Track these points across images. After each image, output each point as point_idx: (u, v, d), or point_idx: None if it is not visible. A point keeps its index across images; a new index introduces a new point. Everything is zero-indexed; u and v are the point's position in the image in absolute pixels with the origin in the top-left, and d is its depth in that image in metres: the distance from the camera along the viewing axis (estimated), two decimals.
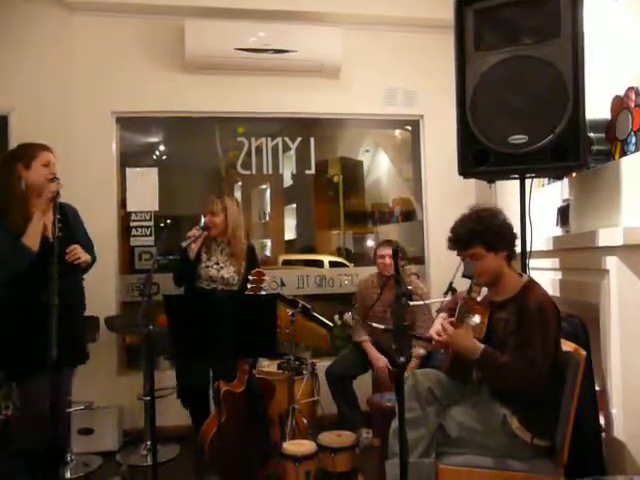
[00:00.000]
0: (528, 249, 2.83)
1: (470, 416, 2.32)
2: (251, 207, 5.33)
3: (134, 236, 4.35)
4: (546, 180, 3.41)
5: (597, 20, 2.99)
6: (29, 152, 2.71)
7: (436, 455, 2.30)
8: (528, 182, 2.89)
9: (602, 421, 2.60)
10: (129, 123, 4.43)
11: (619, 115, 2.80)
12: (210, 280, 3.45)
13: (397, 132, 5.16)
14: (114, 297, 4.19)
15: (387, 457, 2.39)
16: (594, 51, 2.87)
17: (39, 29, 4.09)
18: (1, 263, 2.59)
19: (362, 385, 3.86)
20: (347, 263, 5.01)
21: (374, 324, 3.40)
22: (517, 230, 2.53)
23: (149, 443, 3.64)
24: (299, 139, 4.62)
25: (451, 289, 2.36)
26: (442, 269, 2.61)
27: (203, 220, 3.51)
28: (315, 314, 3.63)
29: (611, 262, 2.50)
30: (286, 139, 4.61)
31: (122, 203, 4.35)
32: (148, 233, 4.36)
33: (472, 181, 3.17)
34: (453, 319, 2.35)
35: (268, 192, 5.46)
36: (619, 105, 2.81)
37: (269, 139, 4.59)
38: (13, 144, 3.78)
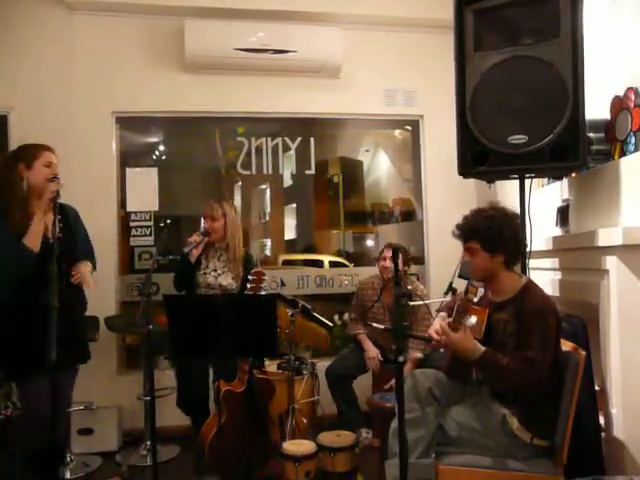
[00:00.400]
0: (528, 249, 2.83)
1: (470, 416, 2.32)
2: (251, 207, 5.33)
3: (134, 236, 4.35)
4: (546, 180, 3.41)
5: (596, 20, 3.00)
6: (31, 152, 2.72)
7: (436, 455, 2.31)
8: (528, 182, 2.89)
9: (602, 421, 2.61)
10: (129, 123, 4.42)
11: (618, 115, 2.80)
12: (208, 287, 3.45)
13: (397, 132, 5.16)
14: (114, 297, 4.18)
15: (387, 457, 2.39)
16: (594, 51, 2.87)
17: (39, 29, 4.09)
18: (3, 265, 2.59)
19: (362, 385, 3.86)
20: (347, 263, 5.01)
21: (374, 324, 3.40)
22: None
23: (149, 443, 3.64)
24: (299, 139, 4.62)
25: (451, 289, 2.35)
26: (442, 269, 2.61)
27: (203, 226, 3.51)
28: (315, 314, 3.63)
29: (611, 262, 2.50)
30: (286, 139, 4.61)
31: (122, 203, 4.35)
32: (148, 233, 4.36)
33: (472, 181, 3.17)
34: (450, 319, 2.35)
35: (268, 192, 5.46)
36: (618, 105, 2.81)
37: (269, 139, 4.59)
38: (13, 144, 3.80)
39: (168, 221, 4.64)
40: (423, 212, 4.71)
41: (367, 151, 5.24)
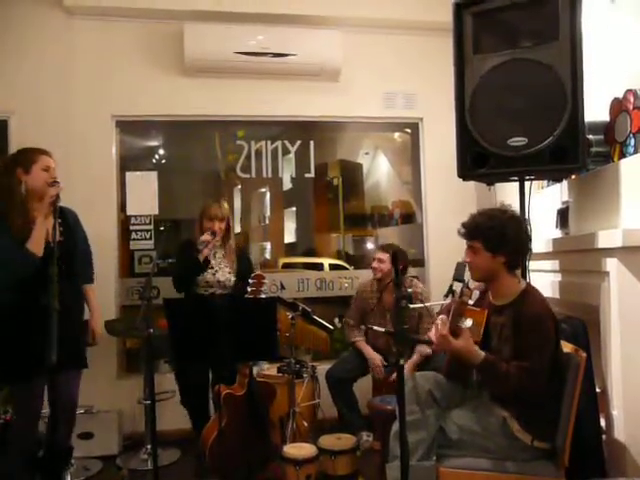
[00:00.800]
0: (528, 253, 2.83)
1: (470, 419, 2.32)
2: (251, 210, 5.34)
3: (134, 240, 4.35)
4: (545, 182, 3.41)
5: (595, 22, 3.00)
6: (29, 157, 2.72)
7: (437, 458, 2.30)
8: (527, 184, 2.89)
9: (603, 423, 2.60)
10: (129, 127, 4.43)
11: (618, 117, 2.80)
12: (207, 285, 3.47)
13: (396, 135, 5.16)
14: (114, 301, 4.18)
15: (388, 460, 2.39)
16: (593, 53, 2.88)
17: (39, 33, 4.10)
18: (6, 268, 2.60)
19: (362, 388, 3.86)
20: (347, 266, 5.01)
21: (375, 327, 3.40)
22: None
23: (149, 447, 3.64)
24: (299, 142, 4.62)
25: (451, 291, 2.36)
26: (442, 272, 2.61)
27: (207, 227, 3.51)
28: (315, 317, 3.64)
29: (611, 264, 2.51)
30: (286, 142, 4.61)
31: (122, 207, 4.35)
32: (148, 237, 4.36)
33: (472, 184, 3.17)
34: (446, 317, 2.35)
35: (268, 195, 5.47)
36: (618, 107, 2.81)
37: (269, 142, 4.59)
38: (13, 148, 3.80)
39: (168, 225, 4.63)
40: (423, 215, 4.71)
41: (367, 154, 5.25)
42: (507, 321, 2.32)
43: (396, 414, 2.13)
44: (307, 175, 4.67)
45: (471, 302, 2.37)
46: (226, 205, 3.59)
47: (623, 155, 2.75)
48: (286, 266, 5.07)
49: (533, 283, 2.57)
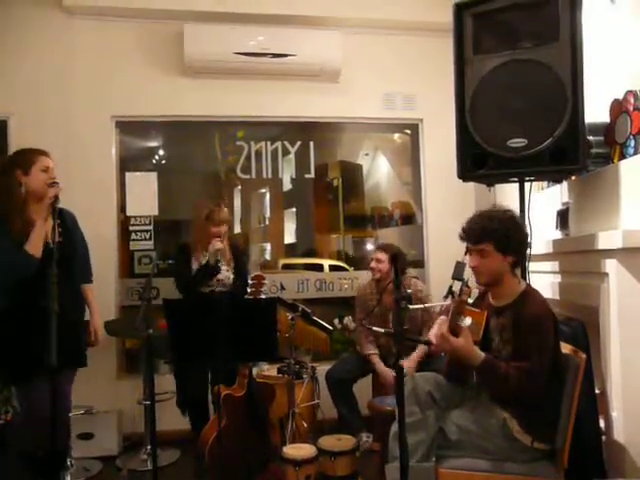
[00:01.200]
0: (528, 252, 2.83)
1: (470, 419, 2.32)
2: (251, 211, 5.33)
3: (134, 240, 4.35)
4: (545, 183, 3.41)
5: (596, 23, 3.00)
6: (27, 158, 2.72)
7: (436, 459, 2.30)
8: (527, 185, 2.89)
9: (602, 424, 2.60)
10: (128, 127, 4.43)
11: (618, 118, 2.80)
12: (207, 285, 3.46)
13: (396, 136, 5.16)
14: (113, 301, 4.18)
15: (387, 461, 2.39)
16: (593, 54, 2.88)
17: (39, 34, 4.10)
18: (5, 271, 2.59)
19: (362, 389, 3.85)
20: (347, 267, 5.01)
21: (374, 328, 3.39)
22: None
23: (149, 447, 3.64)
24: (298, 143, 4.63)
25: (451, 292, 2.35)
26: (442, 272, 2.61)
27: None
28: (315, 318, 3.64)
29: (610, 265, 2.50)
30: (285, 143, 4.61)
31: (122, 207, 4.35)
32: (148, 237, 4.36)
33: (471, 185, 3.17)
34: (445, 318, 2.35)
35: (268, 196, 5.46)
36: (618, 108, 2.81)
37: (269, 143, 4.59)
38: (13, 148, 3.79)
39: (168, 225, 4.63)
40: (423, 215, 4.71)
41: (367, 155, 5.24)
42: (507, 322, 2.32)
43: (396, 415, 2.13)
44: (307, 176, 4.67)
45: (470, 301, 2.37)
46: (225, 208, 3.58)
47: (623, 156, 2.74)
48: (286, 267, 5.07)
49: (533, 284, 2.57)
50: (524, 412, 2.24)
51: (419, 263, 4.69)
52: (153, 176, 4.39)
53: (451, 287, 2.35)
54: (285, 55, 4.21)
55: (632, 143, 2.68)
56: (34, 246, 2.59)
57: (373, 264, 3.78)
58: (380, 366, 3.72)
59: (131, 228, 4.35)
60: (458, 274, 2.32)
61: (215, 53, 4.15)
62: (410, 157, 4.94)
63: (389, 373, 3.62)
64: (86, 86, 4.17)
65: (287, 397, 3.51)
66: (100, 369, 3.78)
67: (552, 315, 2.28)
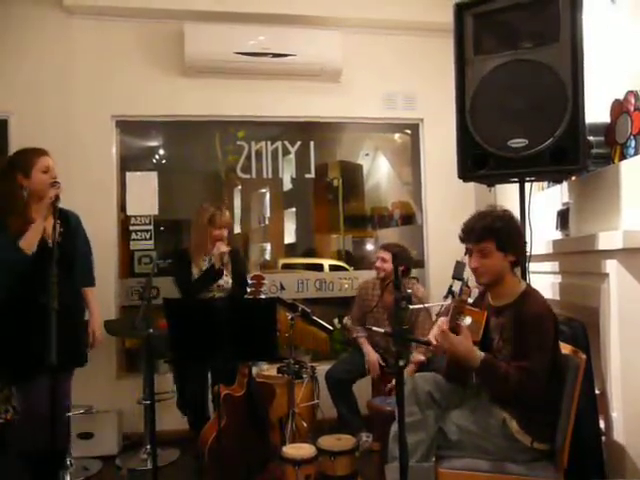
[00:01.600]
0: (528, 253, 2.83)
1: (470, 420, 2.32)
2: (251, 211, 5.33)
3: (134, 240, 4.35)
4: (546, 183, 3.41)
5: (596, 24, 3.00)
6: (27, 160, 2.71)
7: (436, 459, 2.30)
8: (528, 186, 2.89)
9: (602, 424, 2.60)
10: (129, 127, 4.43)
11: (618, 119, 2.80)
12: (208, 289, 3.46)
13: (397, 136, 5.16)
14: (114, 301, 4.18)
15: (387, 461, 2.39)
16: (593, 54, 2.87)
17: (38, 33, 4.10)
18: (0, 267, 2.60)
19: (362, 389, 3.85)
20: (347, 267, 5.01)
21: (374, 328, 3.39)
22: None
23: (149, 447, 3.64)
24: (299, 143, 4.62)
25: (451, 292, 2.35)
26: (442, 273, 2.61)
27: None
28: (315, 318, 3.64)
29: (611, 265, 2.50)
30: (286, 143, 4.61)
31: (122, 207, 4.35)
32: (148, 237, 4.36)
33: (472, 185, 3.17)
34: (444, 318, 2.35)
35: (268, 196, 5.46)
36: (618, 109, 2.81)
37: (269, 143, 4.59)
38: (13, 148, 3.80)
39: (168, 225, 4.63)
40: (423, 216, 4.71)
41: (367, 155, 5.25)
42: (508, 322, 2.32)
43: (395, 415, 2.12)
44: (307, 176, 4.67)
45: (470, 300, 2.37)
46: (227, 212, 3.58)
47: (623, 156, 2.74)
48: (286, 267, 5.07)
49: (533, 285, 2.57)
50: (524, 412, 2.24)
51: (419, 263, 4.69)
52: (153, 176, 4.39)
53: (451, 287, 2.35)
54: (285, 55, 4.21)
55: (633, 143, 2.68)
56: (27, 242, 2.59)
57: (378, 263, 3.78)
58: (367, 347, 3.78)
59: (131, 228, 4.35)
60: (458, 274, 2.32)
61: (215, 53, 4.14)
62: (410, 157, 4.93)
63: (374, 356, 3.72)
64: (86, 86, 4.17)
65: (287, 397, 3.51)
66: (100, 369, 3.78)
67: (553, 315, 2.28)
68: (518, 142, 2.62)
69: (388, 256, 3.72)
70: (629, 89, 2.72)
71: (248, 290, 3.14)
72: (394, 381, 2.12)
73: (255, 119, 4.50)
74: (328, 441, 3.12)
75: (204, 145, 4.67)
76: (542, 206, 3.26)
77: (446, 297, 2.36)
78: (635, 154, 2.65)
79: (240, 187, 5.05)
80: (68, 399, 2.93)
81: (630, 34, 2.79)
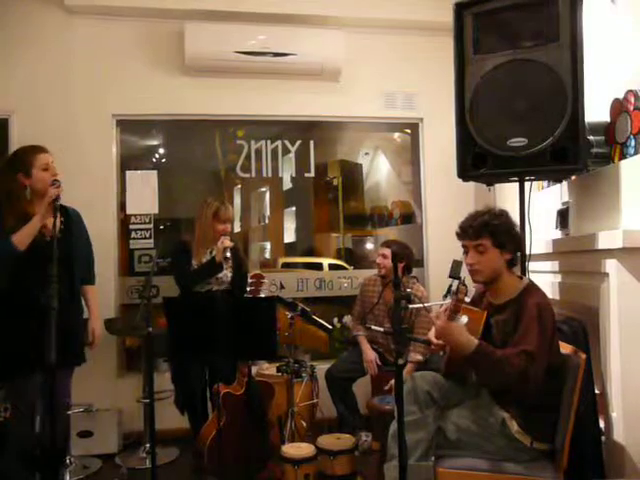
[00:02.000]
0: (528, 252, 2.83)
1: (469, 419, 2.32)
2: (251, 210, 5.33)
3: (133, 239, 4.35)
4: (545, 183, 3.41)
5: (596, 23, 3.00)
6: (26, 159, 2.71)
7: (435, 458, 2.30)
8: (527, 185, 2.89)
9: (602, 424, 2.60)
10: (129, 126, 4.43)
11: (618, 118, 2.80)
12: (204, 282, 3.46)
13: (396, 135, 5.16)
14: (113, 299, 4.18)
15: (386, 460, 2.39)
16: (593, 54, 2.87)
17: (39, 32, 4.10)
18: None
19: (361, 388, 3.86)
20: (346, 266, 5.01)
21: (373, 327, 3.40)
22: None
23: (148, 446, 3.63)
24: (299, 142, 4.62)
25: (450, 292, 2.35)
26: (441, 272, 2.61)
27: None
28: (314, 317, 3.64)
29: (610, 265, 2.50)
30: (286, 142, 4.61)
31: (122, 206, 4.35)
32: (148, 236, 4.36)
33: (471, 184, 3.16)
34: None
35: (267, 195, 5.45)
36: (618, 108, 2.81)
37: (269, 142, 4.59)
38: (14, 147, 3.78)
39: (168, 224, 4.63)
40: (422, 215, 4.71)
41: (367, 154, 5.24)
42: (509, 316, 2.31)
43: (395, 414, 2.12)
44: (307, 175, 4.67)
45: (467, 299, 2.37)
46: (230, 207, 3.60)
47: (623, 156, 2.75)
48: (286, 266, 5.07)
49: None
50: (524, 412, 2.24)
51: (419, 262, 4.69)
52: (153, 174, 4.39)
53: (450, 286, 2.35)
54: (286, 54, 4.20)
55: (632, 143, 2.68)
56: (20, 238, 2.59)
57: (378, 259, 3.79)
58: (365, 346, 3.80)
59: (131, 226, 4.35)
60: (455, 273, 2.32)
61: (216, 52, 4.14)
62: (410, 156, 4.93)
63: (372, 355, 3.73)
64: (87, 85, 4.16)
65: (286, 396, 3.51)
66: (100, 367, 3.78)
67: (552, 310, 2.28)
68: (518, 141, 2.62)
69: (388, 252, 3.72)
70: (629, 88, 2.72)
71: (248, 289, 3.14)
72: (393, 380, 2.11)
73: (255, 118, 4.51)
74: (327, 440, 3.12)
75: (204, 144, 4.67)
76: (542, 205, 3.26)
77: (445, 296, 2.36)
78: (635, 153, 2.65)
79: (240, 186, 5.05)
80: (68, 397, 2.93)
81: (630, 33, 2.79)
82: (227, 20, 4.20)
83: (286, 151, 4.61)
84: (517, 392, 2.20)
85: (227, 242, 3.38)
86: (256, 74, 4.31)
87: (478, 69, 2.74)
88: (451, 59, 2.84)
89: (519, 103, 2.62)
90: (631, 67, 2.78)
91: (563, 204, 3.16)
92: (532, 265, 2.89)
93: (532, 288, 2.36)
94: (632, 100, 2.69)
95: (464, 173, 2.85)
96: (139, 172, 4.40)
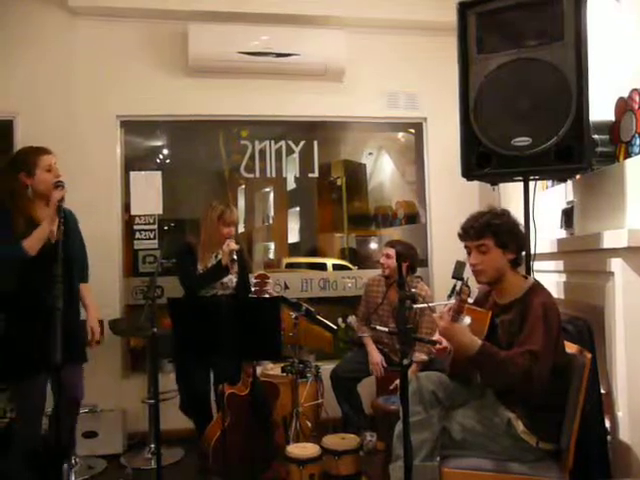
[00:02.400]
0: (532, 251, 2.83)
1: (475, 419, 2.31)
2: (255, 210, 5.34)
3: (138, 239, 4.36)
4: (550, 182, 3.40)
5: (600, 22, 2.99)
6: (30, 160, 2.72)
7: (440, 458, 2.30)
8: (532, 184, 2.88)
9: (607, 424, 2.59)
10: (133, 127, 4.44)
11: (623, 117, 2.79)
12: (209, 287, 3.46)
13: (400, 135, 5.16)
14: (118, 300, 4.18)
15: (391, 460, 2.39)
16: (598, 52, 2.86)
17: (42, 33, 4.11)
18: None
19: (366, 388, 3.85)
20: (351, 266, 5.01)
21: (378, 327, 3.39)
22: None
23: (153, 446, 3.64)
24: (302, 142, 4.62)
25: (454, 292, 2.35)
26: (445, 272, 2.61)
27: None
28: (319, 317, 3.63)
29: (616, 264, 2.49)
30: (289, 142, 4.61)
31: (126, 206, 4.36)
32: (152, 236, 4.37)
33: (475, 183, 3.16)
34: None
35: (272, 195, 5.46)
36: (623, 107, 2.80)
37: (272, 142, 4.59)
38: (18, 149, 3.80)
39: (172, 224, 4.64)
40: (427, 215, 4.71)
41: (370, 154, 5.24)
42: (515, 316, 2.30)
43: (400, 414, 2.12)
44: (311, 175, 4.67)
45: (470, 300, 2.36)
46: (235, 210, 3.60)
47: (628, 155, 2.73)
48: (290, 266, 5.07)
49: None
50: (530, 412, 2.24)
51: (423, 262, 4.69)
52: (157, 175, 4.40)
53: (455, 286, 2.35)
54: (289, 55, 4.21)
55: (637, 142, 2.67)
56: (30, 242, 2.61)
57: (382, 259, 3.78)
58: (371, 348, 3.78)
59: (135, 227, 4.36)
60: (458, 273, 2.32)
61: (219, 53, 4.15)
62: (414, 156, 4.93)
63: (377, 355, 3.72)
64: (91, 86, 4.17)
65: (291, 396, 3.51)
66: (105, 368, 3.79)
67: (557, 309, 2.27)
68: (522, 141, 2.62)
69: (392, 252, 3.72)
70: (633, 87, 2.71)
71: (252, 290, 3.14)
72: (398, 380, 2.11)
73: (259, 118, 4.51)
74: (332, 440, 3.12)
75: (208, 145, 4.68)
76: (546, 205, 3.25)
77: (450, 297, 2.35)
78: None
79: (244, 187, 5.06)
80: (80, 392, 2.93)
81: (634, 32, 2.78)
82: (230, 21, 4.20)
83: (290, 151, 4.61)
84: (521, 392, 2.19)
85: (233, 245, 3.38)
86: (259, 74, 4.31)
87: (482, 68, 2.73)
88: (454, 59, 2.84)
89: (523, 102, 2.61)
90: (635, 66, 2.77)
91: (568, 203, 3.15)
92: (537, 265, 2.89)
93: (537, 288, 2.36)
94: (637, 99, 2.68)
95: (468, 172, 2.84)
96: (143, 173, 4.41)
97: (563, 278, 3.09)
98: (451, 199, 4.32)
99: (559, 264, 3.11)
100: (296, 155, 4.64)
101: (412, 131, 4.90)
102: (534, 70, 2.59)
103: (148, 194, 4.33)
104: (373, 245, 5.19)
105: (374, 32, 4.48)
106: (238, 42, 4.15)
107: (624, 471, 2.46)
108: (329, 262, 5.10)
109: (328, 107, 4.49)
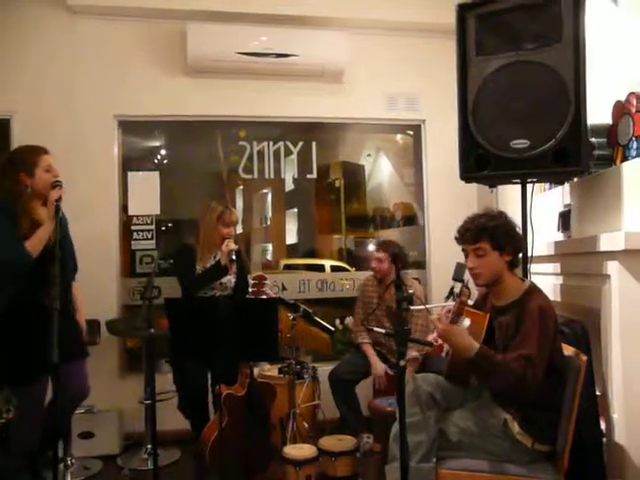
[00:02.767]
0: (529, 254, 2.83)
1: (471, 421, 2.32)
2: (253, 211, 5.33)
3: (135, 240, 4.35)
4: (547, 185, 3.41)
5: (598, 25, 3.00)
6: (29, 159, 2.72)
7: (436, 460, 2.30)
8: (529, 187, 2.89)
9: (603, 426, 2.60)
10: (131, 127, 4.43)
11: (620, 120, 2.80)
12: (208, 288, 3.46)
13: (399, 137, 5.16)
14: (115, 300, 4.18)
15: (387, 462, 2.39)
16: (595, 56, 2.87)
17: (41, 32, 4.10)
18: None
19: (363, 390, 3.85)
20: (348, 267, 5.01)
21: (375, 329, 3.39)
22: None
23: (150, 447, 3.64)
24: (301, 143, 4.63)
25: (452, 294, 2.35)
26: (443, 274, 2.61)
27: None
28: (316, 318, 3.64)
29: (612, 267, 2.50)
30: (288, 143, 4.61)
31: (124, 207, 4.35)
32: (149, 237, 4.36)
33: (473, 186, 3.17)
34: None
35: (270, 196, 5.46)
36: (620, 110, 2.81)
37: (271, 143, 4.59)
38: (14, 147, 3.80)
39: (170, 225, 4.64)
40: (425, 217, 4.71)
41: (369, 155, 5.24)
42: (511, 319, 2.31)
43: (396, 416, 2.12)
44: (309, 176, 4.67)
45: (470, 302, 2.37)
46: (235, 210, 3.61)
47: (625, 158, 2.74)
48: (287, 267, 5.07)
49: None
50: (525, 413, 2.24)
51: (421, 264, 4.70)
52: (155, 175, 4.39)
53: (452, 288, 2.35)
54: (288, 55, 4.21)
55: (634, 145, 2.68)
56: (33, 243, 2.60)
57: (374, 264, 3.79)
58: (372, 357, 3.76)
59: (133, 227, 4.35)
60: (458, 275, 2.32)
61: (218, 53, 4.14)
62: (412, 158, 4.94)
63: (380, 367, 3.69)
64: (89, 85, 4.17)
65: (288, 397, 3.51)
66: (101, 368, 3.78)
67: (554, 312, 2.28)
68: (520, 143, 2.62)
69: (383, 256, 3.73)
70: (631, 90, 2.72)
71: (250, 290, 3.14)
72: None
73: (257, 119, 4.51)
74: (329, 442, 3.13)
75: (206, 145, 4.67)
76: (544, 207, 3.26)
77: (447, 298, 2.36)
78: (637, 156, 2.64)
79: (242, 187, 5.05)
80: (86, 389, 2.92)
81: (632, 35, 2.79)
82: (229, 21, 4.20)
83: (288, 152, 4.62)
84: (516, 394, 2.20)
85: (232, 245, 3.38)
86: (258, 75, 4.31)
87: (481, 71, 2.74)
88: (453, 61, 2.84)
89: (521, 105, 2.62)
90: (633, 69, 2.78)
91: (565, 206, 3.16)
92: (534, 267, 2.89)
93: (534, 290, 2.36)
94: (634, 102, 2.69)
95: (466, 175, 2.85)
96: (141, 173, 4.40)
97: (560, 280, 3.10)
98: (449, 201, 4.33)
99: (556, 266, 3.11)
100: (294, 156, 4.64)
101: (411, 133, 4.90)
102: (532, 72, 2.60)
103: (146, 194, 4.33)
104: (371, 247, 5.18)
105: (373, 34, 4.49)
106: (237, 42, 4.15)
107: (619, 473, 2.46)
108: (327, 263, 5.10)
109: (327, 108, 4.49)
